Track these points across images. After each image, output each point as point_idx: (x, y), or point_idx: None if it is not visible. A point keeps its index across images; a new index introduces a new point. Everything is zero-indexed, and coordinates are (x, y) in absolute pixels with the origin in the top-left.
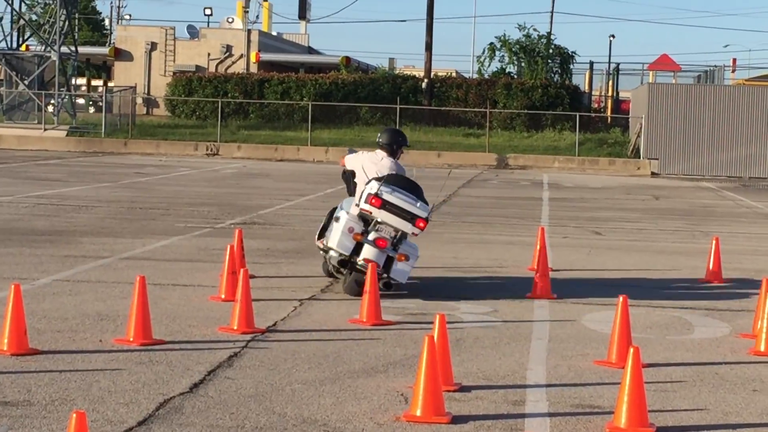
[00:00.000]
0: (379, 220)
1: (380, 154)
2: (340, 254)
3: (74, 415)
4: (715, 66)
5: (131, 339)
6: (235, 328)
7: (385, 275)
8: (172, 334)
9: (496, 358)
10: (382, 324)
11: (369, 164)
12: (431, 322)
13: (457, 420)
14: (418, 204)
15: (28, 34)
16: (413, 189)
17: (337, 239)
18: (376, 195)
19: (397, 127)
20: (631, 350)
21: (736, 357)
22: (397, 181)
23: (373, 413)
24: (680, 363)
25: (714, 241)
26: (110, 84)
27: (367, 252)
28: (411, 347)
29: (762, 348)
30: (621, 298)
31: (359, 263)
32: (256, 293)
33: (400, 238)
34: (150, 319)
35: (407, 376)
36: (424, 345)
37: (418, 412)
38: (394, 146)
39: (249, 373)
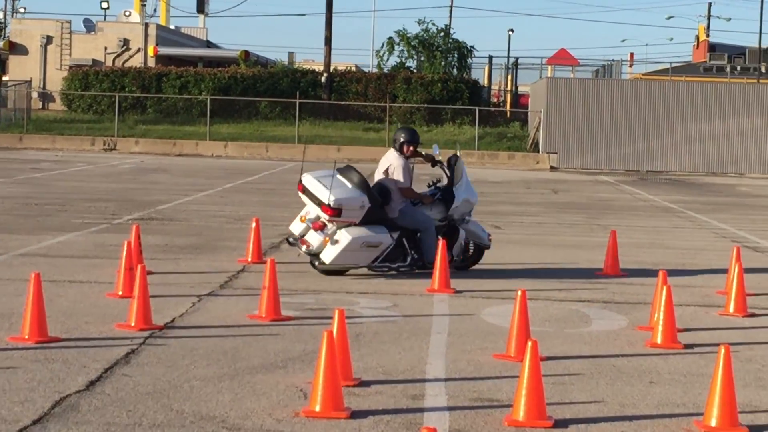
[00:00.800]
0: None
1: (393, 151)
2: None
3: None
4: (613, 60)
5: (26, 337)
6: (133, 324)
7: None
8: (68, 331)
9: (395, 352)
10: (282, 319)
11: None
12: (330, 318)
13: (356, 415)
14: (331, 192)
15: None
16: (352, 180)
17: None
18: (299, 181)
19: (297, 121)
20: (530, 344)
21: (633, 349)
22: (343, 171)
23: (272, 409)
24: (578, 356)
25: (612, 235)
26: (5, 78)
27: (301, 231)
28: (310, 342)
29: (658, 340)
30: (519, 292)
31: (290, 240)
32: (153, 289)
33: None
34: (45, 316)
35: (306, 372)
36: (323, 340)
37: (317, 408)
38: (397, 144)
39: (146, 370)
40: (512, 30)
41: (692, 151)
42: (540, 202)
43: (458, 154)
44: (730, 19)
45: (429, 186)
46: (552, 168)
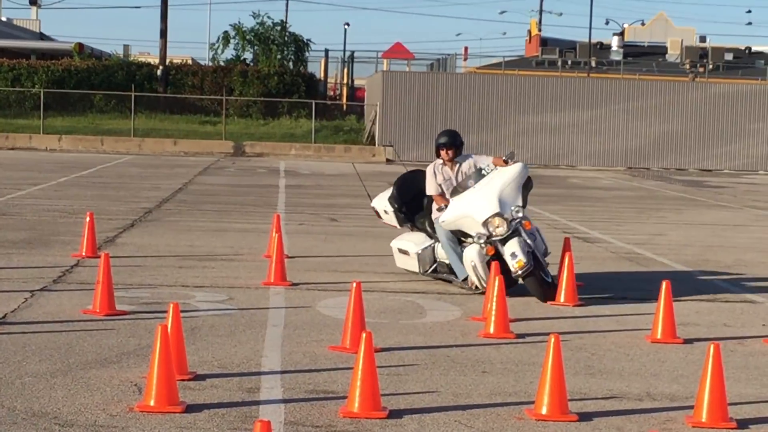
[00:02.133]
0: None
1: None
2: None
3: None
4: (448, 54)
5: None
6: None
7: None
8: None
9: (231, 345)
10: (116, 314)
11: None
12: (165, 311)
13: (191, 409)
14: (378, 196)
15: None
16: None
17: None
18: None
19: (134, 115)
20: (364, 335)
21: (466, 340)
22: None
23: (106, 404)
24: (413, 347)
25: None
26: None
27: None
28: (145, 337)
29: (491, 330)
30: (354, 284)
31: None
32: None
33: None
34: None
35: (141, 366)
36: (157, 334)
37: (152, 402)
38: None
39: None
40: (348, 24)
41: (525, 143)
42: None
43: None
44: (561, 14)
45: None
46: (388, 160)
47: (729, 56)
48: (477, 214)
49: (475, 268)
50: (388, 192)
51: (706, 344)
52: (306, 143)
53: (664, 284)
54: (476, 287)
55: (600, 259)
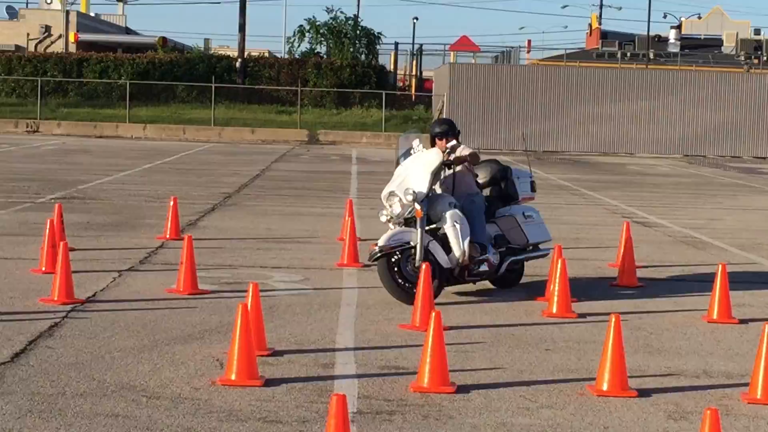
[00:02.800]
0: None
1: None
2: None
3: None
4: (512, 47)
5: None
6: (56, 299)
7: None
8: None
9: (307, 323)
10: (199, 293)
11: None
12: (245, 291)
13: (269, 383)
14: None
15: None
16: None
17: None
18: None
19: (214, 105)
20: (433, 314)
21: (530, 319)
22: None
23: (190, 378)
24: (479, 325)
25: None
26: None
27: None
28: (226, 315)
29: (554, 310)
30: (424, 266)
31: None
32: (75, 265)
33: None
34: None
35: (222, 343)
36: (237, 312)
37: (233, 376)
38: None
39: (69, 342)
40: (416, 18)
41: (585, 132)
42: None
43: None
44: (621, 8)
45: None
46: None
47: None
48: (384, 191)
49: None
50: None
51: (760, 324)
52: (377, 132)
53: (720, 267)
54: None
55: (658, 243)
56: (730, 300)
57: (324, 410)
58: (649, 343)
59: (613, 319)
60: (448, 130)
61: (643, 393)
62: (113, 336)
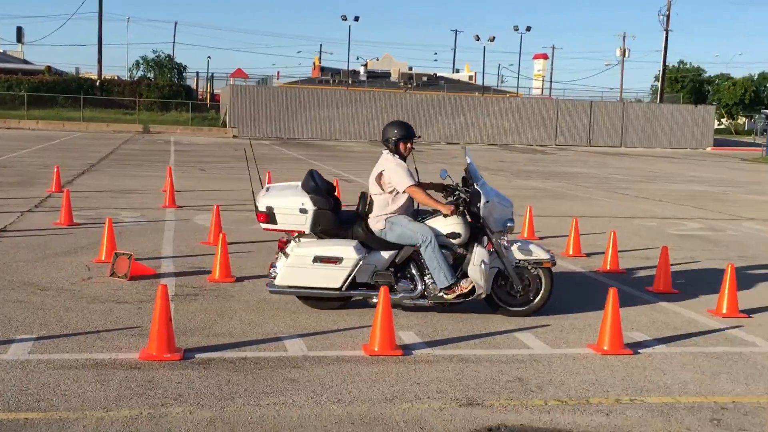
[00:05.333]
0: None
1: (385, 154)
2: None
3: None
4: (269, 75)
5: None
6: None
7: None
8: None
9: (144, 242)
10: (74, 225)
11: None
12: (104, 223)
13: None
14: (263, 196)
15: None
16: (304, 184)
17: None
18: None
19: (82, 108)
20: (221, 235)
21: None
22: (304, 178)
23: (69, 277)
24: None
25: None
26: None
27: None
28: (92, 237)
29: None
30: (215, 207)
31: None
32: None
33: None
34: None
35: (89, 255)
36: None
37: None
38: (390, 143)
39: None
40: (210, 56)
41: (312, 127)
42: (229, 155)
43: (465, 148)
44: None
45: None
46: (234, 136)
47: (424, 78)
48: (507, 202)
49: (483, 269)
50: (290, 189)
51: None
52: (186, 126)
53: None
54: (466, 294)
55: (353, 192)
56: None
57: (154, 294)
58: None
59: None
60: (412, 134)
61: None
62: (17, 252)
